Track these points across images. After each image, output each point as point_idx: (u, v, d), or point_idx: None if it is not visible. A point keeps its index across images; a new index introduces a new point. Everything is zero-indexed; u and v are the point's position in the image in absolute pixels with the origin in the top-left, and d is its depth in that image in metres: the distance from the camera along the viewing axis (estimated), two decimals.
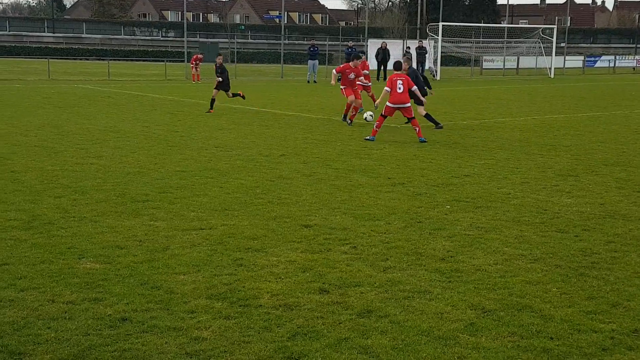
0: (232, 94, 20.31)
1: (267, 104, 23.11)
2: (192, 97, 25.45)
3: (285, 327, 4.96)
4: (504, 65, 49.32)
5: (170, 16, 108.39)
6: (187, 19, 63.29)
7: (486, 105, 24.00)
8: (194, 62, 36.14)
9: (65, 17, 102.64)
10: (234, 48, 48.79)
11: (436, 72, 41.95)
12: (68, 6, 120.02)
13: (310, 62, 37.07)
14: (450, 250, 6.87)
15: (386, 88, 15.08)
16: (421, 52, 39.48)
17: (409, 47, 40.76)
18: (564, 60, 51.97)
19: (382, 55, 38.62)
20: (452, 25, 44.77)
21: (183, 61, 41.65)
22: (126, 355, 4.45)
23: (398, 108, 15.23)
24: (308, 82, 36.69)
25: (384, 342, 4.72)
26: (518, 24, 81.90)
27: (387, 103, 15.08)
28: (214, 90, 20.00)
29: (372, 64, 40.51)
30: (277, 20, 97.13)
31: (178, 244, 6.88)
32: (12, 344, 4.54)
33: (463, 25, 46.96)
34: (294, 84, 35.33)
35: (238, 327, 4.94)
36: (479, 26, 49.59)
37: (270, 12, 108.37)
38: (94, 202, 8.57)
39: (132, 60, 62.22)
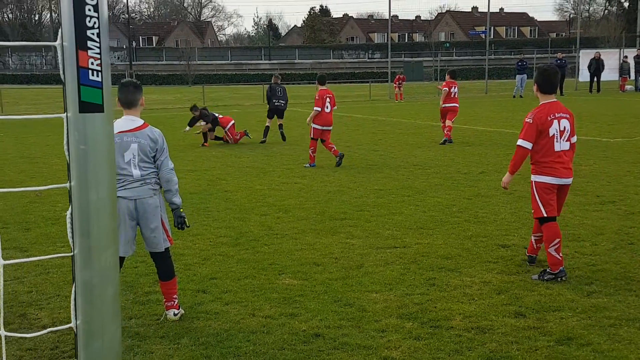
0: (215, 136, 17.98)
1: (468, 120, 22.75)
2: (393, 116, 25.75)
3: (477, 350, 4.81)
4: None
5: (377, 38, 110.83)
6: (391, 39, 64.37)
7: None
8: (397, 82, 36.63)
9: (280, 44, 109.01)
10: (437, 66, 48.63)
11: None
12: (283, 34, 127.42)
13: (518, 76, 35.98)
14: None
15: (316, 108, 13.37)
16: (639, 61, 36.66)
17: (626, 56, 38.00)
18: None
19: (596, 66, 36.41)
20: None
21: (387, 81, 42.32)
22: None
23: (324, 130, 13.47)
24: (514, 96, 35.58)
25: None
26: None
27: (314, 125, 13.45)
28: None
29: (584, 75, 38.39)
30: (482, 35, 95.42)
31: (372, 262, 6.96)
32: (215, 355, 4.85)
33: None
34: (498, 100, 34.45)
35: (428, 348, 4.88)
36: None
37: (475, 28, 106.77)
38: (296, 219, 8.95)
39: (340, 82, 64.39)
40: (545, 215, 6.33)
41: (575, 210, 9.00)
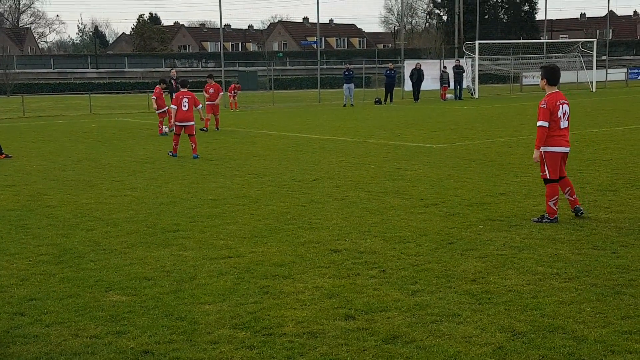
0: None
1: (302, 129, 23.18)
2: (228, 125, 25.67)
3: (309, 355, 4.85)
4: None
5: (210, 47, 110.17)
6: (225, 48, 64.07)
7: (525, 121, 23.63)
8: (232, 91, 36.56)
9: (107, 52, 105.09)
10: (271, 75, 49.15)
11: (474, 90, 41.61)
12: (111, 42, 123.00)
13: (345, 85, 37.13)
14: (481, 271, 6.68)
15: (172, 106, 16.37)
16: (458, 71, 39.27)
17: (445, 67, 40.54)
18: (606, 73, 51.00)
19: (417, 76, 38.53)
20: (490, 43, 44.48)
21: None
22: None
23: (183, 126, 16.28)
24: (344, 105, 36.73)
25: None
26: (558, 38, 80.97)
27: (175, 122, 16.32)
28: None
29: (409, 85, 40.46)
30: (314, 46, 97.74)
31: (205, 274, 6.84)
32: None
33: (501, 43, 46.60)
34: (331, 108, 35.41)
35: (260, 356, 4.85)
36: (517, 43, 49.12)
37: (307, 38, 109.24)
38: (125, 234, 8.61)
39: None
40: (549, 177, 8.57)
41: (402, 213, 9.40)
